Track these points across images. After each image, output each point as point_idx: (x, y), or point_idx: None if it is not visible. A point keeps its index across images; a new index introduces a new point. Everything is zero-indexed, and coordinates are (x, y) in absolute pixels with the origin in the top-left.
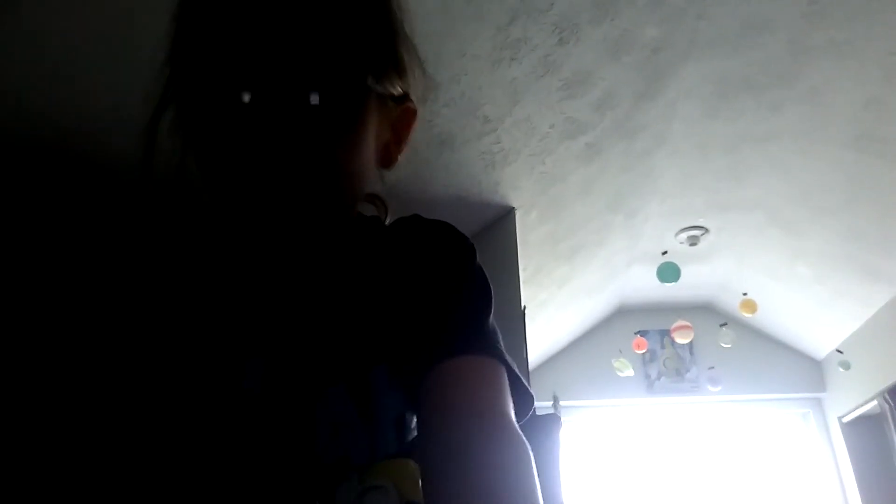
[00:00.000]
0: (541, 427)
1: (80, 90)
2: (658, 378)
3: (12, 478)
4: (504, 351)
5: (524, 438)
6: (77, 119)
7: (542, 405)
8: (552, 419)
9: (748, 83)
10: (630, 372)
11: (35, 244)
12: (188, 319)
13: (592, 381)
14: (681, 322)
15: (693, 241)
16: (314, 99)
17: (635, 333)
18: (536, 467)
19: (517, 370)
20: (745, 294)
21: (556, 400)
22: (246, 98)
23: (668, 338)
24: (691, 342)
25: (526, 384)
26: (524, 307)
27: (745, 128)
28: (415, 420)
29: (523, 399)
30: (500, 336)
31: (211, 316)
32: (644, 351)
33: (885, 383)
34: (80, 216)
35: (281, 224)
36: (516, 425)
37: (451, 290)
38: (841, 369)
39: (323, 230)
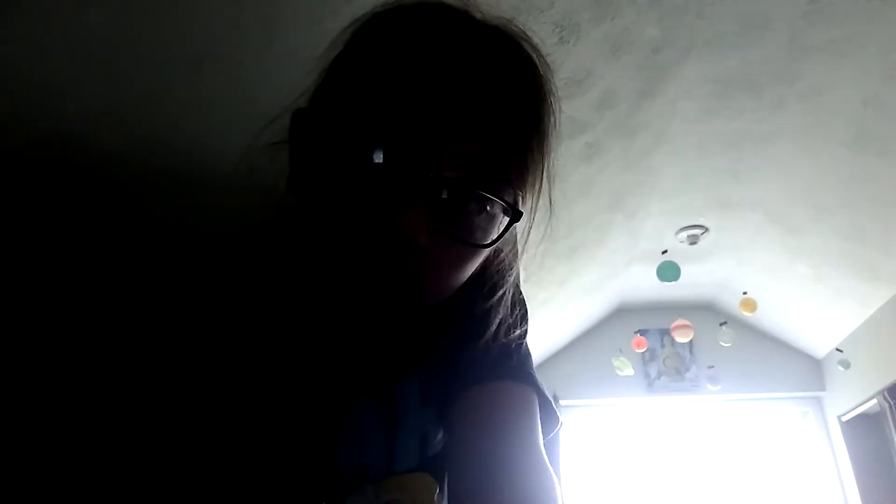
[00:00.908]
0: None
1: (73, 92)
2: (658, 377)
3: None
4: (535, 375)
5: (551, 467)
6: (66, 122)
7: None
8: None
9: (748, 82)
10: (630, 371)
11: (36, 254)
12: (223, 340)
13: (592, 380)
14: (680, 321)
15: (693, 240)
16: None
17: (635, 332)
18: None
19: (546, 393)
20: (744, 293)
21: (555, 399)
22: (444, 195)
23: (668, 337)
24: (691, 341)
25: (554, 407)
26: (524, 299)
27: (744, 126)
28: (439, 436)
29: (550, 419)
30: (532, 359)
31: (248, 340)
32: (644, 350)
33: (884, 382)
34: (75, 226)
35: (360, 309)
36: (545, 454)
37: (492, 314)
38: (840, 368)
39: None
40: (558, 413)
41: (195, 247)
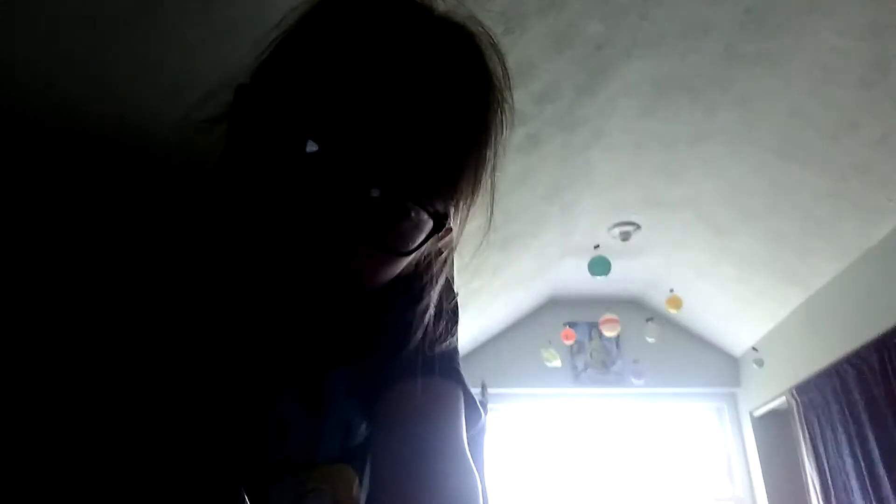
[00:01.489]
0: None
1: (116, 78)
2: (585, 369)
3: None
4: (461, 371)
5: (474, 467)
6: (114, 106)
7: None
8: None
9: (685, 85)
10: (558, 363)
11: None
12: (168, 333)
13: (521, 369)
14: (609, 315)
15: (625, 237)
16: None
17: (564, 324)
18: None
19: (471, 389)
20: (671, 291)
21: (483, 387)
22: (375, 193)
23: (596, 330)
24: (618, 335)
25: (478, 402)
26: (456, 293)
27: (679, 128)
28: (362, 427)
29: (473, 415)
30: (458, 355)
31: (184, 329)
32: (572, 342)
33: (793, 381)
34: (122, 208)
35: (285, 290)
36: (468, 453)
37: (420, 308)
38: (755, 366)
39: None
40: (482, 409)
41: (121, 219)
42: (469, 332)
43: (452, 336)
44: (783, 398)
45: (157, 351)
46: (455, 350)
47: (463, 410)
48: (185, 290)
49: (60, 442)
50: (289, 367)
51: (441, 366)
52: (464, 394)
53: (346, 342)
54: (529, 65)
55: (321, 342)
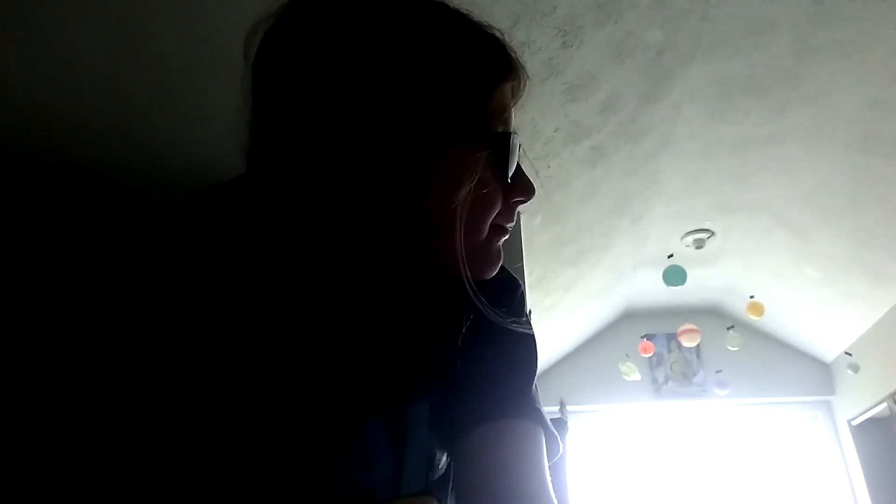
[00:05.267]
0: None
1: (77, 95)
2: (665, 382)
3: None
4: (542, 409)
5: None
6: (72, 126)
7: (548, 410)
8: (559, 424)
9: (753, 84)
10: (637, 376)
11: (38, 260)
12: (227, 355)
13: (599, 385)
14: (688, 325)
15: (699, 245)
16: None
17: (642, 337)
18: None
19: (551, 427)
20: (751, 297)
21: (562, 405)
22: None
23: (675, 341)
24: (698, 346)
25: (557, 437)
26: (529, 312)
27: (749, 129)
28: (443, 460)
29: (553, 447)
30: (538, 394)
31: (253, 350)
32: (651, 355)
33: (894, 386)
34: (80, 231)
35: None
36: (551, 489)
37: (504, 348)
38: (850, 372)
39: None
40: (560, 441)
41: (191, 244)
42: (545, 349)
43: (533, 370)
44: (884, 405)
45: (237, 370)
46: (535, 390)
47: (544, 449)
48: (264, 303)
49: (141, 466)
50: (373, 393)
51: (522, 407)
52: (545, 432)
53: (429, 373)
54: (590, 77)
55: (406, 370)
